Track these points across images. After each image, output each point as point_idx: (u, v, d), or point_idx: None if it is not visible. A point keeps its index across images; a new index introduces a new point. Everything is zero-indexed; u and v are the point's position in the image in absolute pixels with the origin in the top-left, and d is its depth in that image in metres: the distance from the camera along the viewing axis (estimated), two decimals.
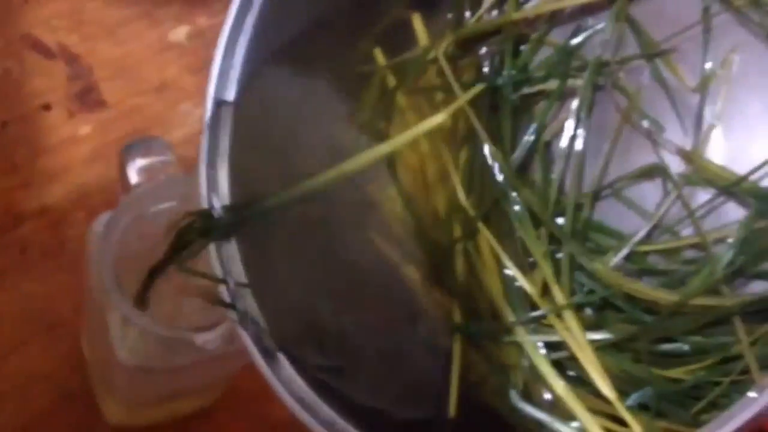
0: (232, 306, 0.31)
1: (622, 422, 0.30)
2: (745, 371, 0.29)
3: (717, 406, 0.29)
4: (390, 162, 0.36)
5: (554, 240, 0.34)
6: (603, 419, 0.31)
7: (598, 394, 0.31)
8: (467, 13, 0.38)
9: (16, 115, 0.54)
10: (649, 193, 0.35)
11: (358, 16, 0.37)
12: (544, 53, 0.37)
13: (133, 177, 0.37)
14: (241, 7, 0.34)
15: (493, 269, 0.34)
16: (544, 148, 0.37)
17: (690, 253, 0.34)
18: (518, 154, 0.36)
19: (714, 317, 0.31)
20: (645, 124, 0.35)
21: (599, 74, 0.35)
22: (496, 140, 0.36)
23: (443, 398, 0.32)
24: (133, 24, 0.58)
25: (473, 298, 0.34)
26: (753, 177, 0.32)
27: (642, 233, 0.34)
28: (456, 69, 0.36)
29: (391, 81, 0.37)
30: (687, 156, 0.34)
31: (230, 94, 0.35)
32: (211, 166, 0.34)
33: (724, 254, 0.31)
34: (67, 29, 0.57)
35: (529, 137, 0.36)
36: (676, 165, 0.34)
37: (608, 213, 0.36)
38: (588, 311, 0.34)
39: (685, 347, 0.31)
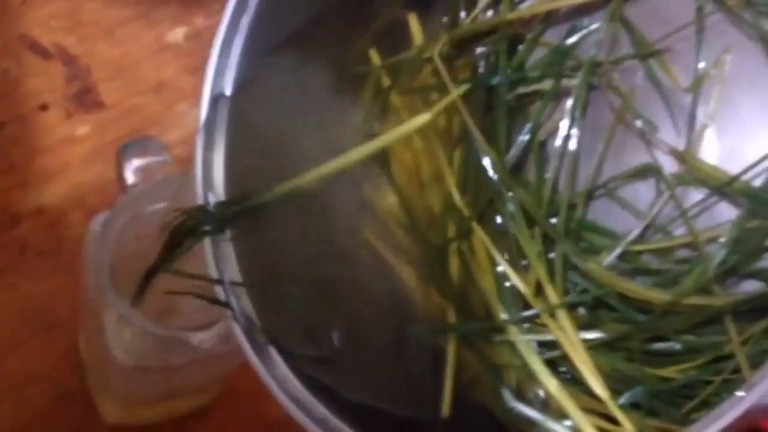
0: (225, 304, 0.31)
1: (614, 421, 0.30)
2: (737, 370, 0.29)
3: (708, 405, 0.30)
4: (385, 162, 0.36)
5: (548, 240, 0.34)
6: (595, 418, 0.31)
7: (590, 393, 0.31)
8: (462, 13, 0.38)
9: (13, 116, 0.55)
10: (643, 192, 0.35)
11: (353, 16, 0.37)
12: (539, 53, 0.38)
13: (130, 177, 0.37)
14: (237, 7, 0.35)
15: (487, 269, 0.34)
16: (538, 147, 0.37)
17: (683, 253, 0.34)
18: (513, 153, 0.36)
19: (706, 316, 0.31)
20: (638, 124, 0.35)
21: (593, 74, 0.36)
22: (490, 140, 0.36)
23: (437, 398, 0.32)
24: (131, 25, 0.58)
25: (467, 298, 0.34)
26: (745, 177, 0.32)
27: (635, 233, 0.34)
28: (451, 69, 0.37)
29: (386, 81, 0.37)
30: (680, 156, 0.34)
31: (226, 93, 0.35)
32: (207, 164, 0.34)
33: (717, 254, 0.31)
34: (64, 30, 0.57)
35: (523, 137, 0.36)
36: (669, 165, 0.35)
37: (602, 213, 0.36)
38: (581, 311, 0.34)
39: (678, 346, 0.31)
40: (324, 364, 0.32)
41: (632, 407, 0.31)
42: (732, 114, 0.34)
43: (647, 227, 0.34)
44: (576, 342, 0.31)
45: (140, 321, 0.35)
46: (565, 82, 0.36)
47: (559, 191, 0.36)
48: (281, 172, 0.33)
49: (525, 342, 0.32)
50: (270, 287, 0.33)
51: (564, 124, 0.36)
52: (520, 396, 0.32)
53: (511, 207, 0.34)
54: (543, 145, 0.37)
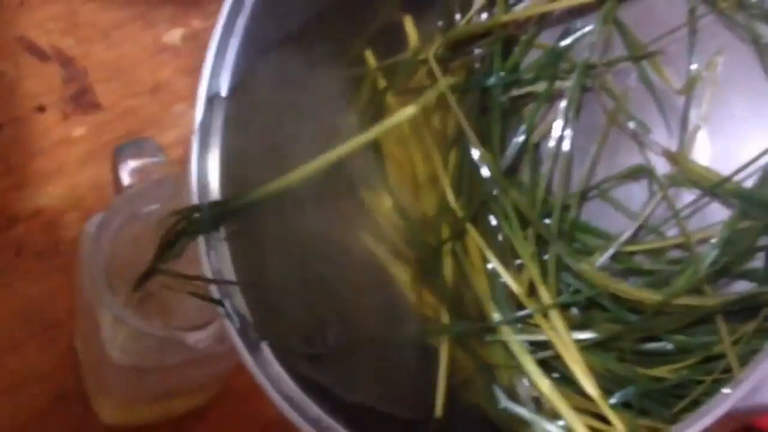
0: (218, 302, 0.31)
1: (606, 421, 0.31)
2: (728, 370, 0.30)
3: (699, 404, 0.29)
4: (380, 163, 0.36)
5: (542, 240, 0.35)
6: (588, 417, 0.31)
7: (583, 392, 0.31)
8: (457, 16, 0.38)
9: (10, 117, 0.55)
10: (636, 193, 0.35)
11: (349, 18, 0.37)
12: (534, 55, 0.38)
13: (126, 178, 0.38)
14: (233, 8, 0.35)
15: (481, 270, 0.34)
16: (532, 149, 0.37)
17: (675, 253, 0.34)
18: (507, 155, 0.37)
19: (697, 316, 0.31)
20: (632, 125, 0.35)
21: (587, 76, 0.36)
22: (485, 142, 0.36)
23: (431, 398, 0.32)
24: (128, 26, 0.58)
25: (461, 299, 0.34)
26: (737, 178, 0.32)
27: (628, 233, 0.34)
28: (446, 71, 0.37)
29: (382, 82, 0.37)
30: (672, 157, 0.34)
31: (222, 94, 0.35)
32: (202, 164, 0.34)
33: (708, 254, 0.31)
34: (62, 32, 0.57)
35: (518, 138, 0.37)
36: (662, 166, 0.35)
37: (595, 213, 0.36)
38: (574, 311, 0.34)
39: (669, 346, 0.32)
40: (318, 363, 0.32)
41: (624, 407, 0.31)
42: (724, 115, 0.34)
43: (640, 228, 0.35)
44: (568, 342, 0.31)
45: (135, 321, 0.35)
46: (558, 84, 0.36)
47: (552, 192, 0.36)
48: (276, 172, 0.34)
49: (518, 342, 0.32)
50: (264, 287, 0.33)
51: (558, 126, 0.36)
52: (513, 396, 0.32)
53: (505, 208, 0.35)
54: (537, 146, 0.37)
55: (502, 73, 0.37)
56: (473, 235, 0.34)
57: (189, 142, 0.35)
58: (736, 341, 0.30)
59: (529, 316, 0.32)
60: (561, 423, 0.31)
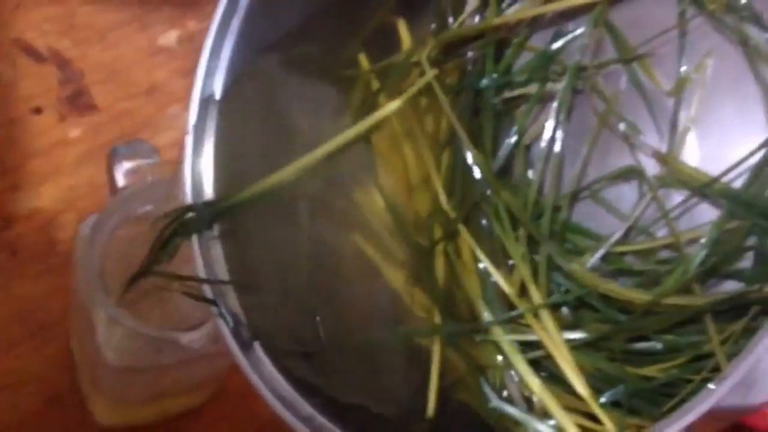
0: (211, 302, 0.32)
1: (597, 419, 0.31)
2: (717, 369, 0.30)
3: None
4: (373, 164, 0.37)
5: (533, 241, 0.35)
6: (578, 417, 0.31)
7: (573, 392, 0.31)
8: (450, 19, 0.38)
9: (6, 119, 0.55)
10: (626, 194, 0.36)
11: (343, 20, 0.37)
12: (526, 58, 0.38)
13: (120, 180, 0.38)
14: (227, 9, 0.35)
15: (473, 270, 0.34)
16: (524, 150, 0.37)
17: (665, 254, 0.34)
18: (499, 156, 0.37)
19: (686, 316, 0.31)
20: (622, 127, 0.36)
21: (578, 78, 0.36)
22: (477, 143, 0.37)
23: (423, 397, 0.32)
24: (124, 28, 0.59)
25: (453, 299, 0.34)
26: (725, 179, 0.33)
27: (618, 234, 0.34)
28: (440, 73, 0.37)
29: (375, 84, 0.37)
30: (662, 158, 0.35)
31: (216, 95, 0.35)
32: (196, 164, 0.34)
33: (697, 254, 0.32)
34: (58, 33, 0.58)
35: (510, 140, 0.37)
36: (652, 167, 0.35)
37: (586, 214, 0.36)
38: (565, 311, 0.34)
39: (659, 346, 0.32)
40: (310, 362, 0.32)
41: (614, 406, 0.31)
42: (713, 117, 0.34)
43: (630, 229, 0.35)
44: (559, 342, 0.32)
45: (130, 322, 0.36)
46: (550, 86, 0.37)
47: (544, 193, 0.37)
48: (269, 172, 0.34)
49: (509, 342, 0.32)
50: (257, 286, 0.34)
51: (549, 128, 0.36)
52: (505, 396, 0.33)
53: (496, 209, 0.35)
54: (529, 148, 0.38)
55: (495, 76, 0.37)
56: (465, 236, 0.34)
57: (183, 143, 0.35)
58: (725, 340, 0.30)
59: (520, 316, 0.33)
60: (552, 422, 0.31)
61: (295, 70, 0.36)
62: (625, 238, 0.35)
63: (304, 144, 0.35)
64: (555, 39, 0.37)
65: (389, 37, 0.38)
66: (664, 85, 0.35)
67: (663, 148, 0.35)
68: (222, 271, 0.33)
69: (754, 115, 0.33)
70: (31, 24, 0.58)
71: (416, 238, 0.35)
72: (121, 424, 0.48)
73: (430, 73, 0.34)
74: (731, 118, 0.34)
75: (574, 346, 0.32)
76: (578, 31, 0.36)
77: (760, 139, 0.32)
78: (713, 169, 0.33)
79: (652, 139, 0.35)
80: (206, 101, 0.35)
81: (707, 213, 0.33)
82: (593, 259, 0.34)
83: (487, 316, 0.33)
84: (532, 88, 0.37)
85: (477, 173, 0.35)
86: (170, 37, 0.59)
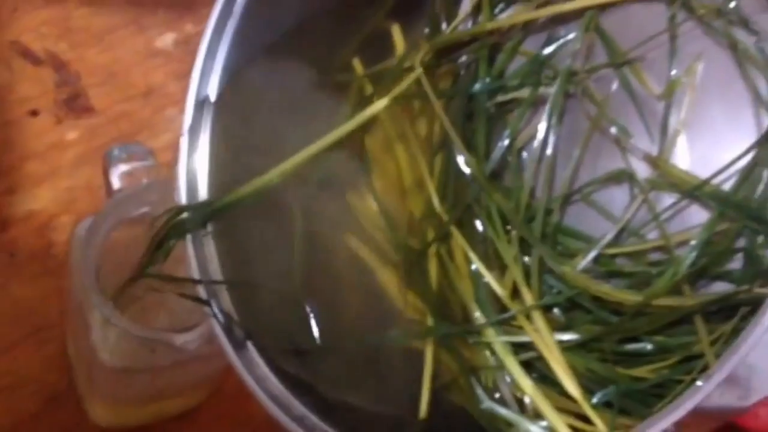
0: (204, 302, 0.32)
1: (589, 420, 0.31)
2: (707, 369, 0.30)
3: None
4: (367, 168, 0.37)
5: (525, 244, 0.35)
6: (570, 417, 0.31)
7: (565, 393, 0.31)
8: (443, 25, 0.39)
9: (3, 121, 0.55)
10: (617, 197, 0.36)
11: (338, 24, 0.38)
12: (518, 62, 0.38)
13: (116, 182, 0.38)
14: (222, 12, 0.35)
15: (466, 272, 0.35)
16: (516, 154, 0.38)
17: (655, 255, 0.35)
18: (492, 160, 0.37)
19: (677, 317, 0.31)
20: (613, 130, 0.36)
21: (570, 83, 0.37)
22: (470, 147, 0.37)
23: (416, 398, 0.33)
24: (121, 31, 0.59)
25: (446, 301, 0.35)
26: (715, 181, 0.33)
27: (609, 236, 0.35)
28: (433, 78, 0.37)
29: (369, 89, 0.38)
30: (653, 161, 0.35)
31: (211, 97, 0.36)
32: (191, 166, 0.35)
33: (687, 256, 0.32)
34: (55, 36, 0.58)
35: (502, 143, 0.37)
36: (643, 170, 0.35)
37: (578, 217, 0.37)
38: (557, 313, 0.35)
39: (649, 347, 0.32)
40: (304, 361, 0.32)
41: (605, 406, 0.32)
42: (703, 120, 0.34)
43: (621, 231, 0.35)
44: (551, 343, 0.32)
45: (125, 323, 0.36)
46: (542, 90, 0.37)
47: (536, 196, 0.37)
48: (263, 174, 0.34)
49: (501, 343, 0.33)
50: (250, 286, 0.34)
51: (541, 131, 0.37)
52: (497, 397, 0.33)
53: (489, 212, 0.35)
54: (521, 151, 0.38)
55: (488, 80, 0.37)
56: (458, 239, 0.35)
57: (179, 144, 0.35)
58: (715, 341, 0.30)
59: (513, 317, 0.33)
60: (543, 423, 0.31)
61: (289, 74, 0.36)
62: (616, 241, 0.35)
63: (297, 146, 0.35)
64: (547, 44, 0.37)
65: (383, 41, 0.38)
66: (655, 88, 0.35)
67: (654, 151, 0.35)
68: (216, 271, 0.34)
69: (744, 117, 0.33)
70: (28, 27, 0.58)
71: (409, 241, 0.36)
72: (118, 425, 0.48)
73: (418, 70, 0.35)
74: (721, 120, 0.34)
75: (566, 348, 0.32)
76: (570, 36, 0.37)
77: (750, 142, 0.32)
78: (703, 171, 0.33)
79: (643, 142, 0.36)
80: (201, 103, 0.36)
81: (697, 215, 0.34)
82: (585, 261, 0.34)
83: (479, 317, 0.33)
84: (525, 92, 0.37)
85: (469, 176, 0.36)
86: (167, 40, 0.59)
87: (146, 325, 0.36)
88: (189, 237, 0.33)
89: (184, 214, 0.33)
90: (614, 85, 0.36)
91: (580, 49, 0.36)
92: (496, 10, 0.38)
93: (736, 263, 0.32)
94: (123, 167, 0.38)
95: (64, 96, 0.57)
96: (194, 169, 0.35)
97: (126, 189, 0.38)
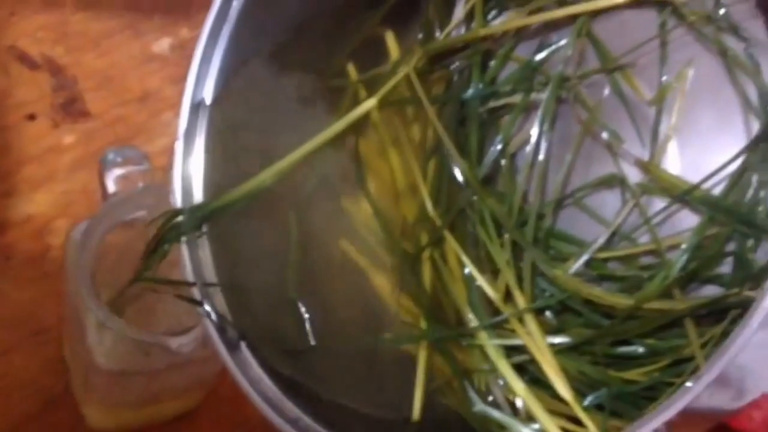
0: (199, 303, 0.32)
1: (580, 422, 0.31)
2: (697, 372, 0.30)
3: None
4: (361, 173, 0.37)
5: (518, 248, 0.35)
6: (561, 420, 0.32)
7: (557, 395, 0.32)
8: (437, 32, 0.39)
9: (0, 125, 0.55)
10: (609, 201, 0.36)
11: (332, 30, 0.38)
12: (510, 68, 0.39)
13: (111, 186, 0.38)
14: (218, 17, 0.36)
15: (459, 276, 0.35)
16: (509, 159, 0.38)
17: (647, 259, 0.35)
18: (484, 164, 0.37)
19: (667, 320, 0.32)
20: (605, 135, 0.36)
21: (562, 88, 0.37)
22: (463, 152, 0.37)
23: (409, 400, 0.33)
24: (117, 36, 0.59)
25: (439, 305, 0.35)
26: (705, 186, 0.33)
27: (601, 240, 0.35)
28: (426, 83, 0.38)
29: (363, 94, 0.38)
30: (644, 166, 0.35)
31: (206, 101, 0.36)
32: (186, 169, 0.35)
33: (678, 260, 0.32)
34: (52, 41, 0.58)
35: (495, 148, 0.38)
36: (634, 175, 0.36)
37: (570, 221, 0.37)
38: (549, 316, 0.35)
39: (641, 350, 0.32)
40: (298, 362, 0.33)
41: (597, 409, 0.32)
42: (693, 125, 0.35)
43: (613, 235, 0.36)
44: (543, 346, 0.32)
45: (120, 326, 0.36)
46: (534, 95, 0.37)
47: (528, 201, 0.37)
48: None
49: (494, 346, 0.33)
50: (245, 288, 0.34)
51: (534, 136, 0.37)
52: (490, 399, 0.33)
53: (482, 216, 0.35)
54: (514, 156, 0.38)
55: (480, 86, 0.38)
56: (451, 243, 0.35)
57: (174, 148, 0.35)
58: (705, 344, 0.31)
59: (505, 321, 0.33)
60: (536, 426, 0.32)
61: (284, 78, 0.37)
62: (608, 245, 0.35)
63: (292, 149, 0.35)
64: (539, 50, 0.38)
65: (378, 47, 0.39)
66: (646, 94, 0.36)
67: (645, 156, 0.36)
68: (210, 274, 0.34)
69: (734, 123, 0.34)
70: (25, 32, 0.58)
71: (403, 245, 0.36)
72: (114, 428, 0.48)
73: (407, 67, 0.35)
74: (711, 126, 0.34)
75: (558, 351, 0.33)
76: (562, 42, 0.37)
77: (739, 147, 0.33)
78: (694, 176, 0.34)
79: (635, 147, 0.36)
80: (197, 107, 0.36)
81: (688, 219, 0.34)
82: (577, 264, 0.35)
83: (472, 320, 0.34)
84: (517, 98, 0.37)
85: (462, 181, 0.36)
86: (163, 45, 0.60)
87: (143, 327, 0.36)
88: (184, 240, 0.34)
89: (180, 218, 0.34)
90: (606, 91, 0.36)
91: (572, 55, 0.37)
92: (489, 17, 0.38)
93: (726, 267, 0.33)
94: (118, 171, 0.39)
95: (61, 100, 0.57)
96: (189, 173, 0.35)
97: (121, 193, 0.38)
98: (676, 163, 0.35)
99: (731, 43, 0.33)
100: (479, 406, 0.32)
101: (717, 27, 0.34)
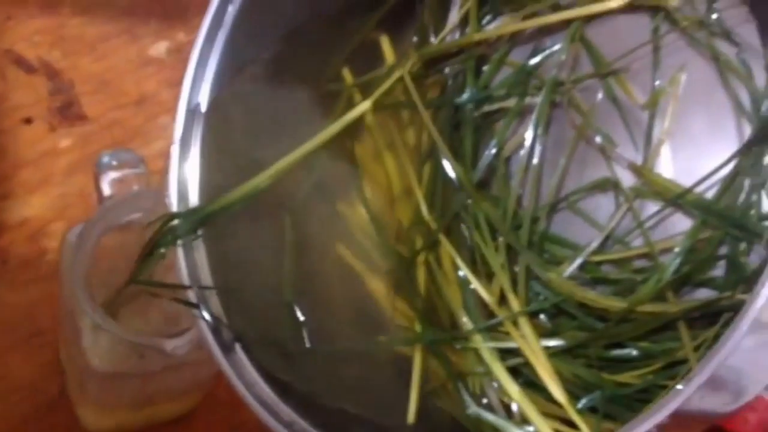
0: (192, 305, 0.32)
1: (574, 425, 0.31)
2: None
3: None
4: (356, 177, 0.37)
5: (512, 251, 0.36)
6: (556, 422, 0.32)
7: (551, 398, 0.32)
8: (432, 37, 0.39)
9: None
10: (603, 205, 0.37)
11: (327, 35, 0.38)
12: (505, 73, 0.39)
13: (106, 189, 0.39)
14: (213, 23, 0.36)
15: (454, 280, 0.35)
16: (504, 163, 0.38)
17: (640, 263, 0.35)
18: (479, 168, 0.38)
19: (660, 323, 0.32)
20: (599, 139, 0.37)
21: (556, 93, 0.37)
22: (458, 156, 0.37)
23: (405, 403, 0.33)
24: (114, 40, 0.59)
25: (434, 308, 0.35)
26: (698, 189, 0.33)
27: (595, 244, 0.35)
28: (421, 88, 0.38)
29: (359, 99, 0.38)
30: (638, 170, 0.36)
31: (202, 106, 0.36)
32: (182, 173, 0.35)
33: (671, 263, 0.32)
34: (49, 45, 0.58)
35: (489, 153, 0.38)
36: (627, 178, 0.36)
37: (564, 225, 0.37)
38: (543, 319, 0.35)
39: (634, 352, 0.33)
40: (293, 366, 0.33)
41: (591, 411, 0.32)
42: (686, 130, 0.35)
43: (607, 238, 0.36)
44: (537, 349, 0.32)
45: (114, 328, 0.36)
46: (529, 100, 0.38)
47: (523, 204, 0.37)
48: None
49: (488, 349, 0.33)
50: (240, 291, 0.34)
51: (528, 141, 0.37)
52: (485, 402, 0.33)
53: (476, 220, 0.36)
54: (508, 160, 0.38)
55: (475, 90, 0.38)
56: (446, 246, 0.35)
57: (170, 152, 0.36)
58: (698, 347, 0.31)
59: (500, 324, 0.33)
60: (530, 428, 0.32)
61: (279, 83, 0.37)
62: (601, 248, 0.36)
63: (287, 153, 0.36)
64: (533, 54, 0.38)
65: (373, 52, 0.39)
66: (639, 98, 0.36)
67: (638, 159, 0.36)
68: (206, 276, 0.34)
69: (726, 127, 0.34)
70: (22, 36, 0.58)
71: (398, 248, 0.36)
72: (110, 430, 0.49)
73: (401, 70, 0.35)
74: (704, 130, 0.35)
75: (552, 353, 0.33)
76: (556, 47, 0.37)
77: (732, 151, 0.33)
78: (687, 180, 0.34)
79: (628, 151, 0.36)
80: (192, 112, 0.36)
81: (681, 223, 0.34)
82: (571, 268, 0.35)
83: (467, 323, 0.34)
84: (511, 102, 0.38)
85: (457, 185, 0.36)
86: (159, 49, 0.60)
87: (138, 329, 0.36)
88: (179, 243, 0.34)
89: (175, 221, 0.34)
90: (599, 95, 0.37)
91: (566, 59, 0.37)
92: (484, 22, 0.38)
93: (719, 270, 0.33)
94: (113, 174, 0.39)
95: (58, 104, 0.57)
96: (185, 177, 0.35)
97: (116, 195, 0.39)
98: (669, 166, 0.35)
99: (724, 47, 0.34)
100: (473, 409, 0.33)
101: (709, 32, 0.34)
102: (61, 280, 0.40)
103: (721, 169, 0.33)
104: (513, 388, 0.32)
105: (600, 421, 0.31)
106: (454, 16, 0.38)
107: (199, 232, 0.35)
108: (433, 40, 0.39)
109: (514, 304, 0.33)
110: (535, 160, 0.37)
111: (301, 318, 0.34)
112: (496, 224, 0.36)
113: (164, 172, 0.35)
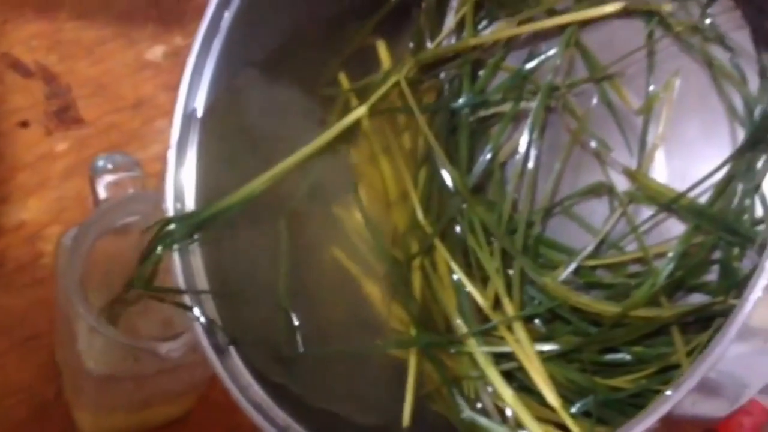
0: (187, 308, 0.32)
1: (567, 429, 0.31)
2: None
3: None
4: (353, 181, 0.37)
5: (507, 256, 0.36)
6: (549, 427, 0.32)
7: (545, 402, 0.32)
8: (428, 40, 0.39)
9: None
10: (597, 210, 0.37)
11: (323, 40, 0.38)
12: (500, 78, 0.39)
13: (102, 192, 0.39)
14: (209, 29, 0.36)
15: (449, 284, 0.35)
16: (499, 168, 0.38)
17: (634, 267, 0.35)
18: (474, 173, 0.38)
19: (654, 327, 0.32)
20: (593, 144, 0.37)
21: (551, 97, 0.37)
22: (453, 161, 0.37)
23: (400, 407, 0.33)
24: (111, 43, 0.60)
25: (429, 312, 0.35)
26: (692, 194, 0.34)
27: (589, 248, 0.35)
28: (417, 92, 0.38)
29: (355, 103, 0.38)
30: (632, 175, 0.36)
31: (198, 111, 0.36)
32: (178, 177, 0.35)
33: (665, 268, 0.33)
34: (45, 49, 0.58)
35: (485, 157, 0.38)
36: (622, 183, 0.36)
37: (559, 229, 0.37)
38: (538, 324, 0.35)
39: (628, 357, 0.33)
40: (288, 370, 0.33)
41: (584, 416, 0.32)
42: (680, 135, 0.35)
43: (601, 243, 0.36)
44: (531, 354, 0.32)
45: (109, 331, 0.36)
46: (524, 105, 0.38)
47: (518, 209, 0.37)
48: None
49: (483, 353, 0.33)
50: (237, 295, 0.34)
51: (523, 145, 0.37)
52: (479, 406, 0.33)
53: (472, 224, 0.36)
54: (503, 165, 0.39)
55: (471, 95, 0.38)
56: (441, 250, 0.35)
57: (167, 156, 0.36)
58: (691, 351, 0.31)
59: (494, 328, 0.33)
60: None
61: (275, 88, 0.37)
62: (596, 252, 0.36)
63: (284, 158, 0.36)
64: (529, 59, 0.38)
65: (369, 57, 0.39)
66: (634, 103, 0.36)
67: (632, 164, 0.36)
68: (202, 280, 0.34)
69: (719, 132, 0.34)
70: (19, 39, 0.58)
71: (394, 253, 0.36)
72: None
73: (398, 75, 0.35)
74: (697, 135, 0.35)
75: (546, 358, 0.33)
76: (551, 52, 0.37)
77: (725, 156, 0.33)
78: (680, 184, 0.34)
79: (622, 155, 0.36)
80: (189, 117, 0.36)
81: (675, 228, 0.34)
82: (565, 272, 0.35)
83: (461, 327, 0.34)
84: (507, 107, 0.38)
85: (453, 189, 0.36)
86: (156, 52, 0.60)
87: (133, 332, 0.36)
88: (175, 247, 0.34)
89: (172, 226, 0.34)
90: (594, 100, 0.37)
91: (561, 64, 0.37)
92: (479, 27, 0.39)
93: (712, 275, 0.33)
94: (109, 177, 0.39)
95: (54, 108, 0.57)
96: (182, 181, 0.35)
97: (112, 199, 0.39)
98: (663, 171, 0.35)
99: (717, 53, 0.34)
100: (468, 413, 0.33)
101: (703, 37, 0.34)
102: (56, 283, 0.40)
103: (715, 174, 0.33)
104: (507, 392, 0.32)
105: (593, 425, 0.31)
106: (450, 21, 0.39)
107: (196, 236, 0.35)
108: (429, 44, 0.39)
109: (509, 308, 0.34)
110: (530, 165, 0.37)
111: (296, 322, 0.34)
112: (491, 229, 0.36)
113: (161, 176, 0.35)
